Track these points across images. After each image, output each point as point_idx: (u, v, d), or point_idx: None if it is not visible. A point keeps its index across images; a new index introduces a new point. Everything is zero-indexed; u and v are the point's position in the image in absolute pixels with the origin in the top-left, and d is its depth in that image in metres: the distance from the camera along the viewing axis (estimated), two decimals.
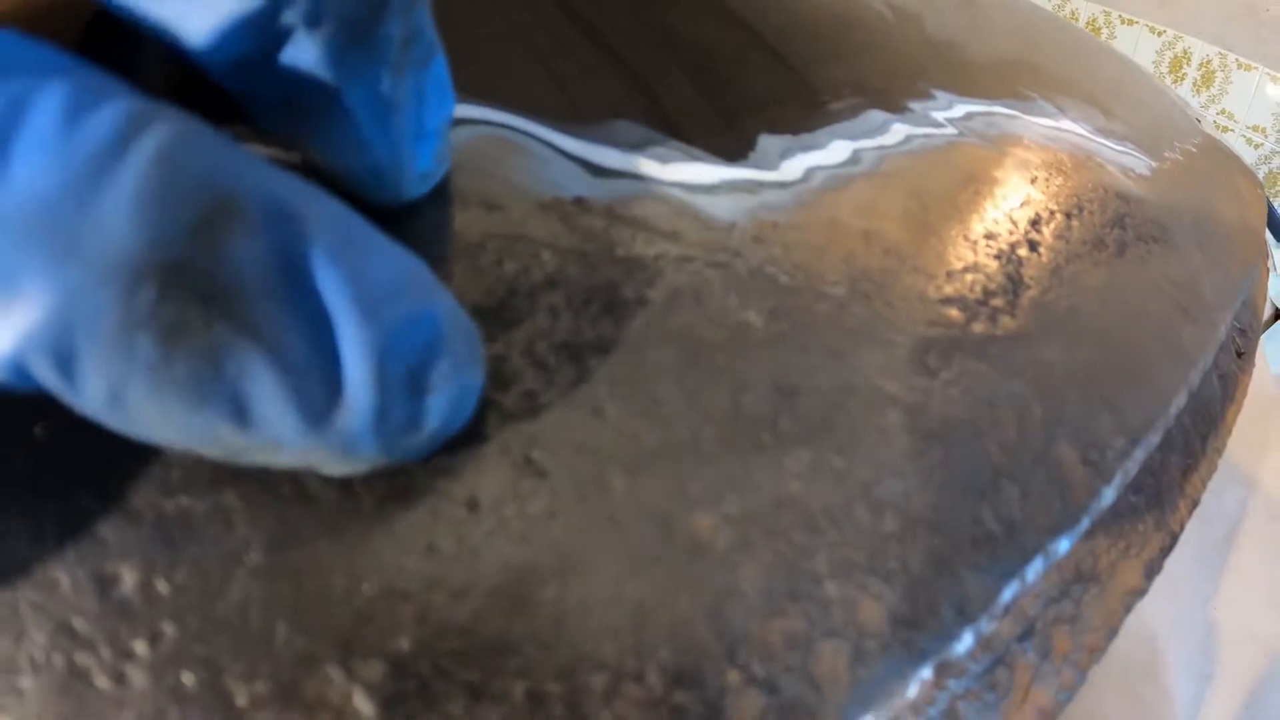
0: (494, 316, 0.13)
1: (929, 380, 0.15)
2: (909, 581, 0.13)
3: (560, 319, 0.13)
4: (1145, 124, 0.35)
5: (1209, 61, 1.04)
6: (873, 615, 0.12)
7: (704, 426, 0.12)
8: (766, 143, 0.18)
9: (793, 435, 0.13)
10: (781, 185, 0.17)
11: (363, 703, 0.09)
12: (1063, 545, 0.16)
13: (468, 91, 0.15)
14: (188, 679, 0.09)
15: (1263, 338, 0.49)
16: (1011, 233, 0.21)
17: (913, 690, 0.12)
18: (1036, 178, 0.24)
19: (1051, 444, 0.16)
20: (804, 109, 0.20)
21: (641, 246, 0.14)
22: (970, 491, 0.14)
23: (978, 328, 0.17)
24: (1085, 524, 0.16)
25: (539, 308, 0.13)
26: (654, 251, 0.14)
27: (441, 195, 0.13)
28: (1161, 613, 0.31)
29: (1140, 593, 0.22)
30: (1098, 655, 0.20)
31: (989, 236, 0.20)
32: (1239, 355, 0.32)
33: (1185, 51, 1.06)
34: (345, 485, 0.11)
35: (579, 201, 0.15)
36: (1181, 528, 0.24)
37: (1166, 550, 0.23)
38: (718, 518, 0.12)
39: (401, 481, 0.11)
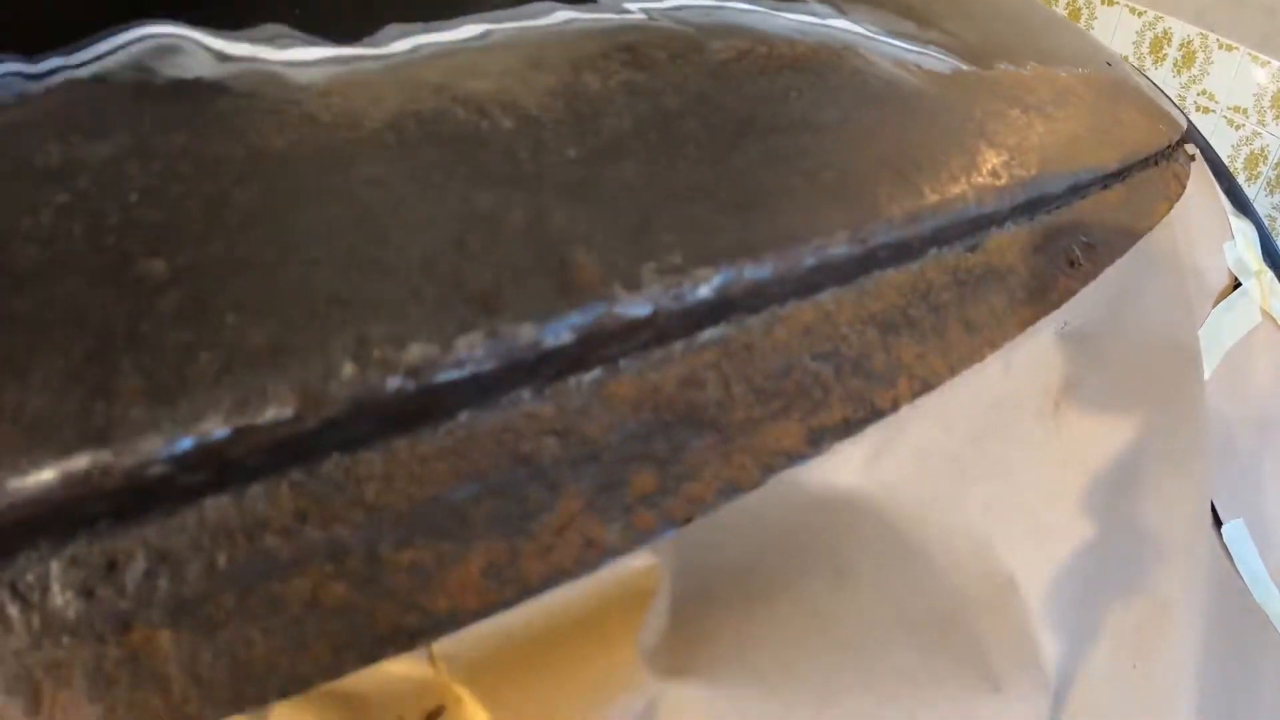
0: None
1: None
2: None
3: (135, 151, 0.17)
4: (979, 41, 0.35)
5: (1190, 42, 0.98)
6: (255, 340, 0.15)
7: (190, 208, 0.16)
8: (392, 30, 0.22)
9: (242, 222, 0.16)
10: (379, 57, 0.21)
11: None
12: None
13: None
14: None
15: (1216, 310, 0.47)
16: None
17: None
18: (731, 53, 0.25)
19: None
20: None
21: (223, 103, 0.19)
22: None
23: None
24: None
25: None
26: (230, 107, 0.19)
27: None
28: (1022, 555, 0.30)
29: (800, 455, 0.21)
30: (702, 506, 0.19)
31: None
32: (1070, 264, 0.32)
33: (1166, 32, 1.01)
34: None
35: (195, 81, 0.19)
36: (894, 406, 0.23)
37: (857, 424, 0.23)
38: (165, 264, 0.15)
39: None
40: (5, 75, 0.19)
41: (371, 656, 0.15)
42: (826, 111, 0.25)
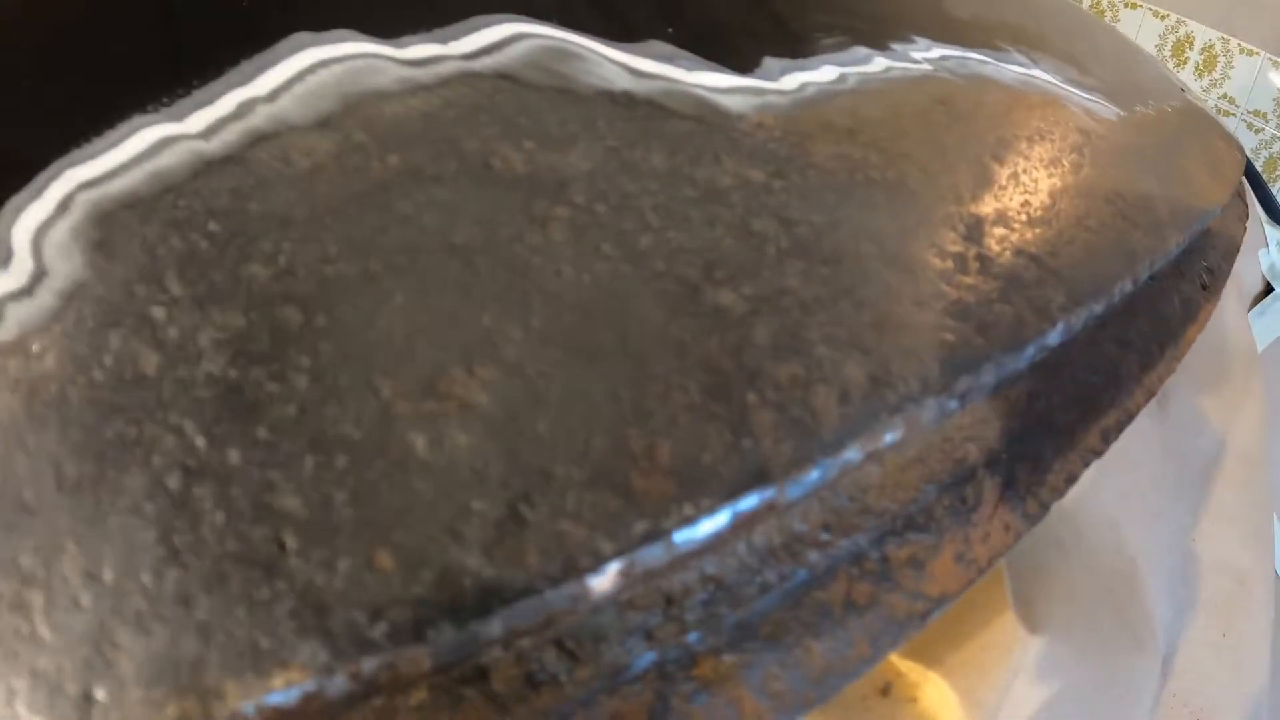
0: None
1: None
2: (884, 357, 0.16)
3: (616, 165, 0.17)
4: (1119, 82, 0.40)
5: (1211, 46, 1.07)
6: (855, 372, 0.16)
7: (723, 238, 0.17)
8: (770, 63, 0.22)
9: (789, 250, 0.17)
10: (780, 92, 0.21)
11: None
12: (1010, 363, 0.19)
13: (531, 13, 0.20)
14: None
15: (1249, 314, 0.53)
16: (978, 144, 0.25)
17: (888, 449, 0.16)
18: (1001, 106, 0.28)
19: (1003, 294, 0.20)
20: (802, 42, 0.24)
21: (674, 125, 0.19)
22: (936, 309, 0.18)
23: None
24: (1029, 353, 0.20)
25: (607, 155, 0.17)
26: (685, 129, 0.19)
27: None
28: (1141, 538, 0.35)
29: (1097, 452, 0.26)
30: (1058, 495, 0.24)
31: (957, 143, 0.24)
32: (1204, 288, 0.36)
33: (1188, 35, 1.09)
34: None
35: (626, 93, 0.19)
36: (1138, 409, 0.28)
37: (1122, 424, 0.27)
38: (736, 294, 0.16)
39: None
40: (368, 56, 0.18)
41: (896, 642, 0.17)
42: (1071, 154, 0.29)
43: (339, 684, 0.11)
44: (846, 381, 0.16)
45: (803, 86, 0.22)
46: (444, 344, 0.14)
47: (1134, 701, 0.31)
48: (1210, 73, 1.07)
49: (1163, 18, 1.11)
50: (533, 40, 0.19)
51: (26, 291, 0.14)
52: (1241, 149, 0.45)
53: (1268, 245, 0.58)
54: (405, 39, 0.18)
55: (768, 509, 0.14)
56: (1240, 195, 0.46)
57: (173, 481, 0.12)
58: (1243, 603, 0.36)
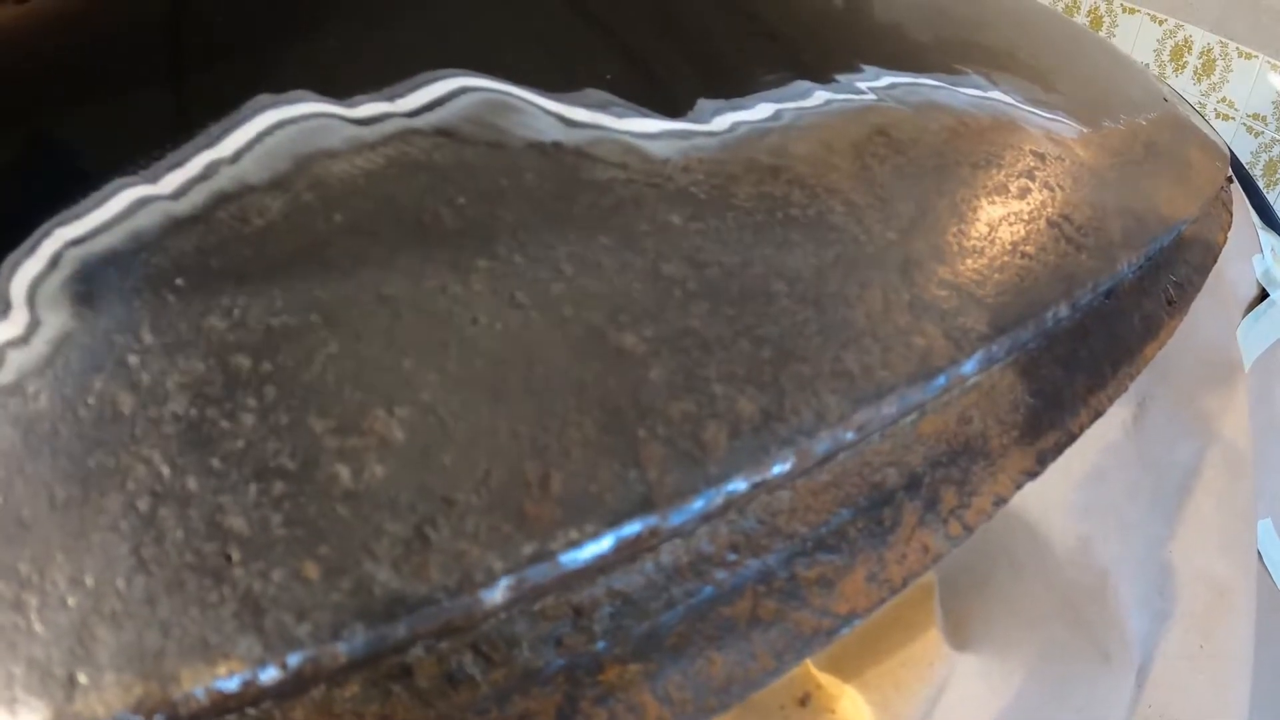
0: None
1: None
2: (779, 392, 0.18)
3: (539, 218, 0.19)
4: (1089, 98, 0.40)
5: (1210, 50, 1.05)
6: (747, 408, 0.18)
7: (632, 283, 0.18)
8: (703, 104, 0.24)
9: (696, 292, 0.19)
10: (709, 133, 0.23)
11: None
12: (916, 395, 0.21)
13: (478, 66, 0.22)
14: None
15: (1244, 320, 0.52)
16: (915, 173, 0.26)
17: (796, 477, 0.18)
18: (947, 134, 0.29)
19: (916, 325, 0.22)
20: (740, 80, 0.26)
21: (600, 172, 0.21)
22: (835, 340, 0.20)
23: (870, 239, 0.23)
24: (939, 383, 0.22)
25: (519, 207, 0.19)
26: (609, 176, 0.21)
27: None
28: (1113, 550, 0.35)
29: (1032, 474, 0.27)
30: (984, 517, 0.25)
31: (892, 173, 0.26)
32: (1169, 303, 0.37)
33: (1186, 40, 1.06)
34: None
35: (555, 144, 0.21)
36: (1081, 430, 0.28)
37: (1062, 445, 0.28)
38: (637, 336, 0.18)
39: None
40: (321, 116, 0.20)
41: (801, 656, 0.18)
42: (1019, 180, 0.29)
43: (271, 674, 0.14)
44: (738, 417, 0.17)
45: (733, 127, 0.24)
46: (369, 387, 0.16)
47: (1101, 714, 0.32)
48: (1209, 76, 1.04)
49: (1161, 22, 1.08)
50: (474, 95, 0.21)
51: (24, 340, 0.16)
52: (1224, 159, 0.45)
53: (1262, 251, 0.58)
54: (357, 98, 0.20)
55: (650, 535, 0.16)
56: (1224, 204, 0.46)
57: (142, 504, 0.15)
58: (1222, 613, 0.36)
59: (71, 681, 0.14)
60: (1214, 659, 0.36)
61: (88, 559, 0.14)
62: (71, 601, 0.14)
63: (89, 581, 0.14)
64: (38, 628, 0.14)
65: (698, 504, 0.16)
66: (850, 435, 0.19)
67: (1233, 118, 1.03)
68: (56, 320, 0.16)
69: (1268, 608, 0.43)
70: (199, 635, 0.14)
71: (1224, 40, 1.02)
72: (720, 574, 0.18)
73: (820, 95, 0.26)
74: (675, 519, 0.16)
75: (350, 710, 0.15)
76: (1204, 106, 1.06)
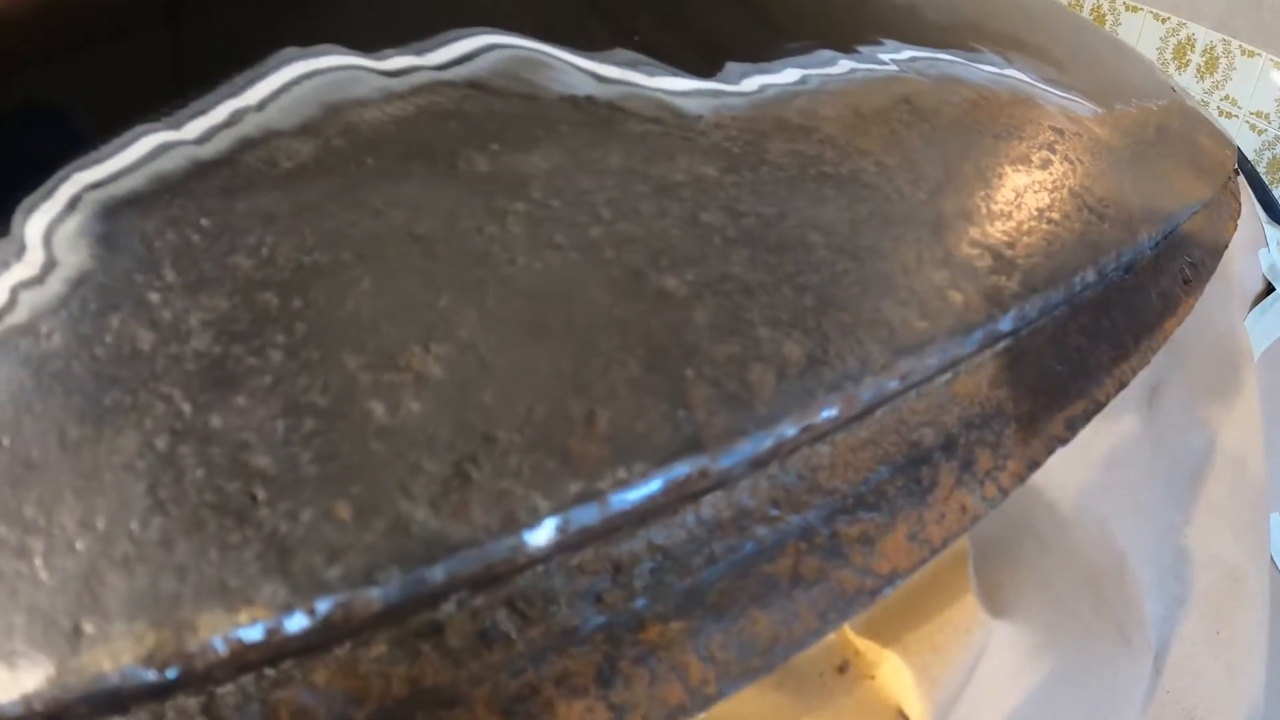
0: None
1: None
2: (823, 337, 0.17)
3: (574, 164, 0.19)
4: (1101, 81, 0.40)
5: (1212, 48, 1.06)
6: (793, 352, 0.17)
7: (671, 229, 0.18)
8: (731, 67, 0.24)
9: (736, 239, 0.18)
10: (739, 94, 0.23)
11: None
12: (955, 348, 0.20)
13: (505, 25, 0.21)
14: None
15: (1251, 314, 0.52)
16: (940, 139, 0.26)
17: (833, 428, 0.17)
18: (968, 104, 0.29)
19: (953, 282, 0.21)
20: (766, 47, 0.25)
21: (633, 126, 0.20)
22: (874, 291, 0.19)
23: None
24: (977, 337, 0.21)
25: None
26: (643, 130, 0.20)
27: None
28: (1129, 533, 0.35)
29: (1062, 440, 0.26)
30: (1018, 480, 0.24)
31: (918, 138, 0.25)
32: (1185, 283, 0.37)
33: (1189, 38, 1.08)
34: None
35: (588, 98, 0.21)
36: (1107, 399, 0.28)
37: (1090, 414, 0.27)
38: (679, 279, 0.17)
39: None
40: (349, 69, 0.19)
41: (845, 616, 0.17)
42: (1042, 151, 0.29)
43: (298, 621, 0.13)
44: (784, 360, 0.17)
45: (762, 88, 0.23)
46: (405, 323, 0.15)
47: (1122, 698, 0.31)
48: (1212, 74, 1.06)
49: (1164, 20, 1.10)
50: (503, 50, 0.21)
51: (38, 280, 0.15)
52: (1233, 147, 0.45)
53: (1268, 245, 0.58)
54: (385, 52, 0.20)
55: (700, 476, 0.15)
56: (1233, 193, 0.46)
57: (161, 442, 0.14)
58: (1237, 599, 0.36)
59: (77, 631, 0.13)
60: (1230, 646, 0.35)
61: (99, 500, 0.13)
62: (80, 545, 0.13)
63: (100, 524, 0.13)
64: (42, 575, 0.13)
65: (747, 447, 0.15)
66: (894, 384, 0.19)
67: (1236, 116, 1.04)
68: (74, 260, 0.15)
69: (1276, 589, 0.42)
70: (219, 579, 0.13)
71: (1227, 38, 1.04)
72: (762, 530, 0.17)
73: (845, 64, 0.26)
74: (725, 461, 0.15)
75: (376, 671, 0.14)
76: (1207, 105, 1.07)
